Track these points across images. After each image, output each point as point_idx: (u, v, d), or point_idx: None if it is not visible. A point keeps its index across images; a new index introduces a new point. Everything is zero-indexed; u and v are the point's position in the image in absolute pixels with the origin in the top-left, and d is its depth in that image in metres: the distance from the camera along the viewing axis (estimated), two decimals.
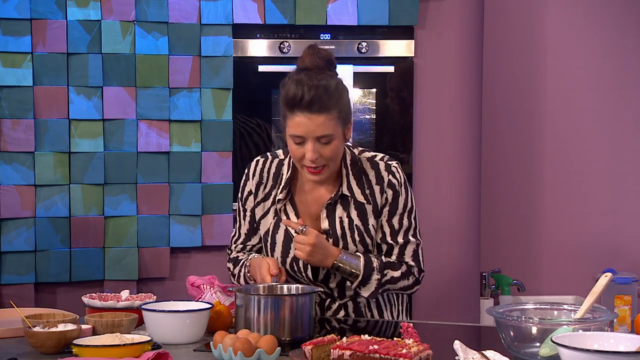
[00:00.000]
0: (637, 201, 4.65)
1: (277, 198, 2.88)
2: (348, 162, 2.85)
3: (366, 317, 2.92)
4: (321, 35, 4.25)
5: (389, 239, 2.87)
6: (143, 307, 2.56)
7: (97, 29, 4.06)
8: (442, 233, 4.25)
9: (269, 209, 2.91)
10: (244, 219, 2.96)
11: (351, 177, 2.84)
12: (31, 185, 4.03)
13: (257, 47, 4.22)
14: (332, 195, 2.84)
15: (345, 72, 4.21)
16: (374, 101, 4.32)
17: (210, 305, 2.61)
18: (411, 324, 2.38)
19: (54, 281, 4.07)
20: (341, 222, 2.83)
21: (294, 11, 4.19)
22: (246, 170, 2.97)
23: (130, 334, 2.47)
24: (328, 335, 2.30)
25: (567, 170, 4.68)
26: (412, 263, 2.87)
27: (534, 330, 2.31)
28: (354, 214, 2.84)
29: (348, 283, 2.85)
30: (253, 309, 2.47)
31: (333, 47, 4.25)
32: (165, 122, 4.14)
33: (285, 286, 2.65)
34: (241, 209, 2.97)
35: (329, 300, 2.91)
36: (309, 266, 2.86)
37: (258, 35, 4.22)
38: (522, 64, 4.69)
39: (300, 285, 2.65)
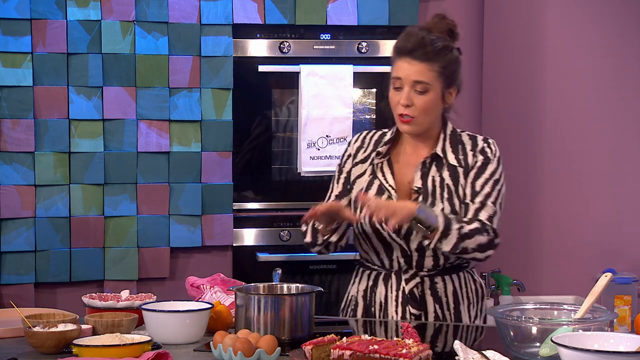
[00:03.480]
0: (637, 201, 4.64)
1: (377, 152, 2.94)
2: (448, 131, 2.94)
3: (443, 299, 2.87)
4: (321, 35, 4.25)
5: (467, 199, 2.86)
6: (143, 307, 2.56)
7: (97, 29, 4.06)
8: None
9: (365, 170, 2.96)
10: (337, 182, 3.01)
11: (447, 143, 2.92)
12: (31, 185, 4.03)
13: (257, 47, 4.22)
14: (427, 156, 2.90)
15: (345, 72, 4.21)
16: (374, 101, 4.32)
17: (210, 305, 2.61)
18: (411, 324, 2.39)
19: (54, 281, 4.07)
20: (433, 180, 2.87)
21: (294, 11, 4.19)
22: (349, 140, 3.07)
23: (130, 334, 2.47)
24: (328, 335, 2.30)
25: (567, 170, 4.67)
26: (487, 222, 2.81)
27: (534, 330, 2.31)
28: (445, 174, 2.88)
29: (426, 243, 2.77)
30: (253, 308, 2.47)
31: (333, 47, 4.24)
32: (165, 122, 4.14)
33: (285, 286, 2.65)
34: (337, 174, 3.03)
35: (407, 274, 2.87)
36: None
37: (258, 35, 4.22)
38: (522, 64, 4.68)
39: (300, 285, 2.65)
